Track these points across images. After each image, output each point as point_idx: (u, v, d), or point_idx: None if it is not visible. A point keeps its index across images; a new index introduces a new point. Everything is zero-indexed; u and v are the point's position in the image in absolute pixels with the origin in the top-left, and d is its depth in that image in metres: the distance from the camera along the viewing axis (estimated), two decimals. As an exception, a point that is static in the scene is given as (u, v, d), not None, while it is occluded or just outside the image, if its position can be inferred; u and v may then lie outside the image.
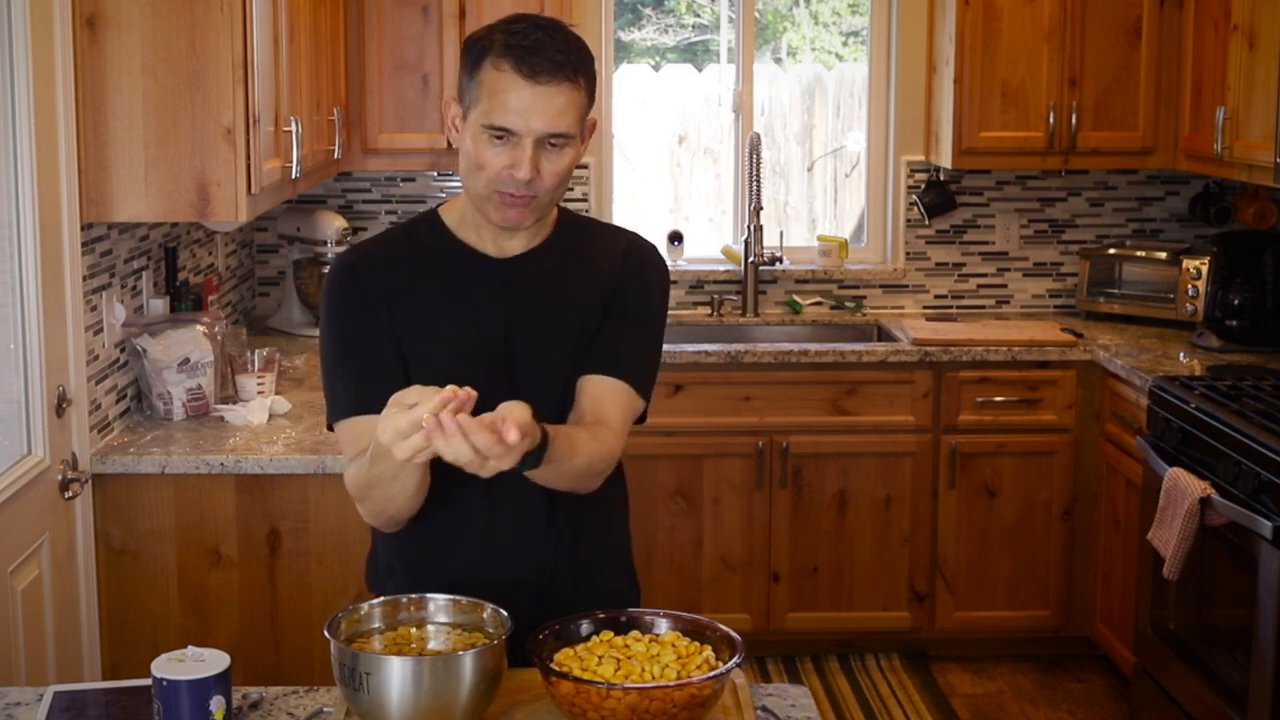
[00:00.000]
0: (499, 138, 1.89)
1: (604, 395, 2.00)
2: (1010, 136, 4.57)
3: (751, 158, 4.79)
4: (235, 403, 3.42)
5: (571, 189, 4.72)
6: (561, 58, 1.88)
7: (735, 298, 4.95)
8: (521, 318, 2.01)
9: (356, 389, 1.97)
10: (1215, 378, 3.86)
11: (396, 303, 2.00)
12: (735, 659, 1.76)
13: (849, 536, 4.44)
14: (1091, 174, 4.95)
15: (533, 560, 2.03)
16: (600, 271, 2.06)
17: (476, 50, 1.92)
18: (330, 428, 2.04)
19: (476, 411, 1.67)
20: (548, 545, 2.04)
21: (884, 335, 4.77)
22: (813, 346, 4.40)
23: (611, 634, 1.85)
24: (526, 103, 1.87)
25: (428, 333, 2.00)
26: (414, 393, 1.70)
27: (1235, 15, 4.07)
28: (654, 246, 2.15)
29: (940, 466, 4.41)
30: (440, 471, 1.99)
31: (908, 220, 4.97)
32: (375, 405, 1.78)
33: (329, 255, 4.38)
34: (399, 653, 1.77)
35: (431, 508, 2.00)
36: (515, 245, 2.03)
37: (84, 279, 3.03)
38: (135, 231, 3.38)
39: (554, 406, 2.00)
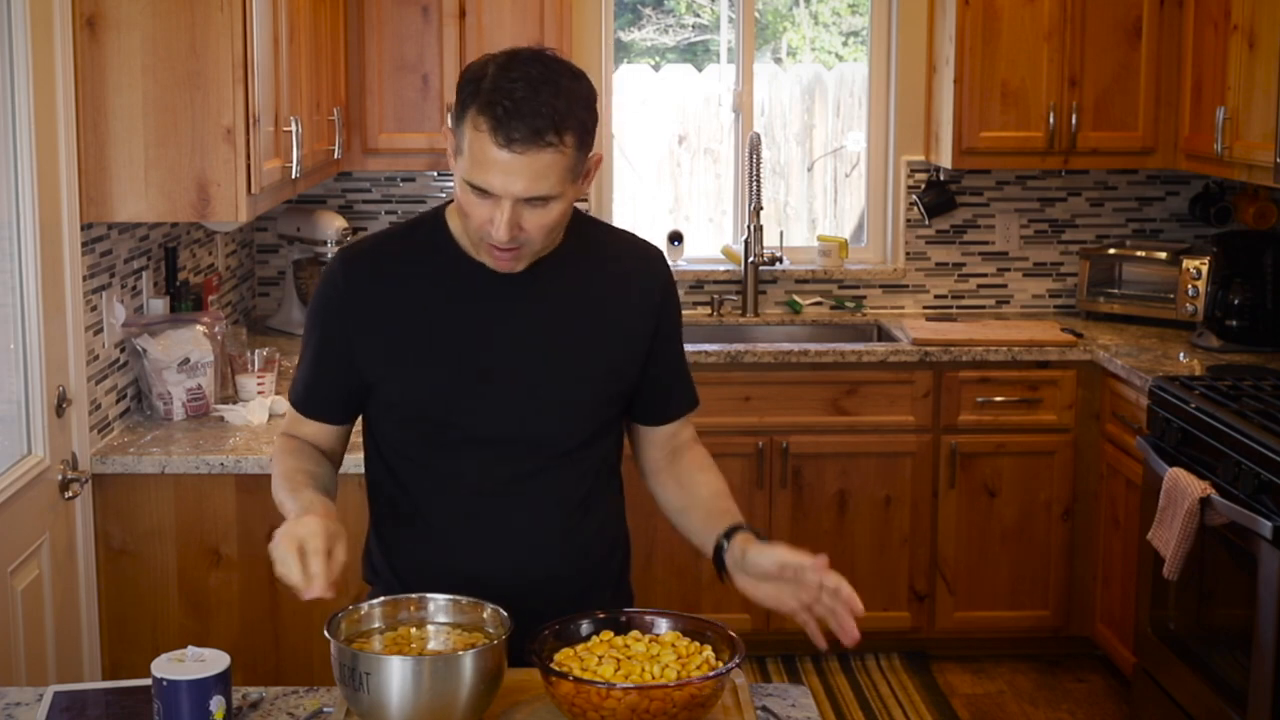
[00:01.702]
0: (481, 193, 1.83)
1: (677, 430, 2.20)
2: (1010, 136, 4.57)
3: (751, 158, 4.79)
4: (235, 403, 3.42)
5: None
6: (541, 122, 1.76)
7: (735, 298, 4.95)
8: (526, 333, 1.95)
9: (306, 391, 2.06)
10: (1215, 378, 3.86)
11: (378, 312, 1.96)
12: (735, 659, 1.76)
13: (849, 536, 4.44)
14: (1091, 174, 4.94)
15: (516, 569, 2.00)
16: (636, 289, 2.02)
17: (466, 92, 1.81)
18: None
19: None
20: (532, 558, 2.01)
21: (884, 335, 4.76)
22: (813, 346, 4.40)
23: (611, 634, 1.85)
24: (503, 168, 1.78)
25: (405, 344, 1.95)
26: (304, 528, 1.77)
27: (1235, 15, 4.07)
28: (658, 248, 2.13)
29: (940, 466, 4.40)
30: (431, 476, 2.01)
31: (908, 220, 4.97)
32: (317, 414, 2.05)
33: (329, 255, 4.38)
34: (399, 653, 1.77)
35: (422, 510, 2.02)
36: None
37: (84, 279, 3.03)
38: (135, 231, 3.38)
39: (571, 425, 1.98)
